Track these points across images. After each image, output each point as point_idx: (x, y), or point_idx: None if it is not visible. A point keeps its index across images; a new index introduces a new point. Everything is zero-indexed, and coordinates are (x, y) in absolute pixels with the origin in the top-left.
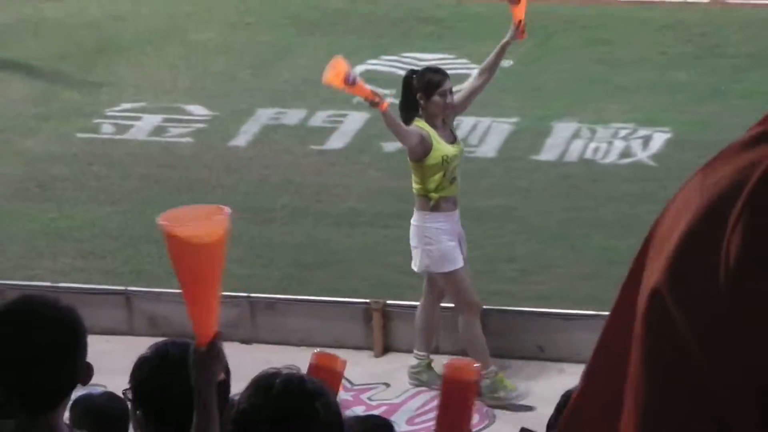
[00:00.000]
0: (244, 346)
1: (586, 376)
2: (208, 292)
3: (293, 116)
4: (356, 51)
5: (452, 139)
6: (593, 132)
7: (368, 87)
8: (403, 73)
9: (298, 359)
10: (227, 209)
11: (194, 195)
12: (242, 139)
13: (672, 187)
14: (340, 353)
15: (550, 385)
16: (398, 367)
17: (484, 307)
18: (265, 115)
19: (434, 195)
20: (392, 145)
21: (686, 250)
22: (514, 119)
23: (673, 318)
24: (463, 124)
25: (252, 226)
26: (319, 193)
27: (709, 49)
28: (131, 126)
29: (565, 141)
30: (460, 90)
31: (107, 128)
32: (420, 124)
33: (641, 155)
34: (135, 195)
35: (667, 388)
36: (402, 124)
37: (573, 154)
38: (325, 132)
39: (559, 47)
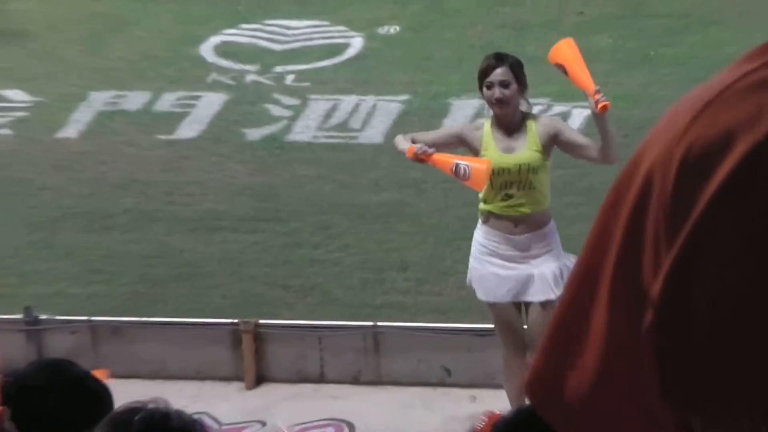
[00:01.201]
0: None
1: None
2: None
3: (134, 100)
4: (208, 19)
5: (515, 148)
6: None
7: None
8: (267, 44)
9: (153, 395)
10: None
11: (17, 199)
12: (73, 129)
13: (595, 174)
14: (204, 386)
15: (461, 415)
16: (275, 400)
17: (376, 323)
18: (99, 100)
19: (482, 206)
20: (257, 132)
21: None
22: (403, 97)
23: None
24: (343, 104)
25: (88, 235)
26: (170, 194)
27: (634, 7)
28: None
29: (466, 121)
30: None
31: None
32: (486, 123)
33: None
34: None
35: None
36: (434, 134)
37: None
38: (174, 118)
39: (454, 9)
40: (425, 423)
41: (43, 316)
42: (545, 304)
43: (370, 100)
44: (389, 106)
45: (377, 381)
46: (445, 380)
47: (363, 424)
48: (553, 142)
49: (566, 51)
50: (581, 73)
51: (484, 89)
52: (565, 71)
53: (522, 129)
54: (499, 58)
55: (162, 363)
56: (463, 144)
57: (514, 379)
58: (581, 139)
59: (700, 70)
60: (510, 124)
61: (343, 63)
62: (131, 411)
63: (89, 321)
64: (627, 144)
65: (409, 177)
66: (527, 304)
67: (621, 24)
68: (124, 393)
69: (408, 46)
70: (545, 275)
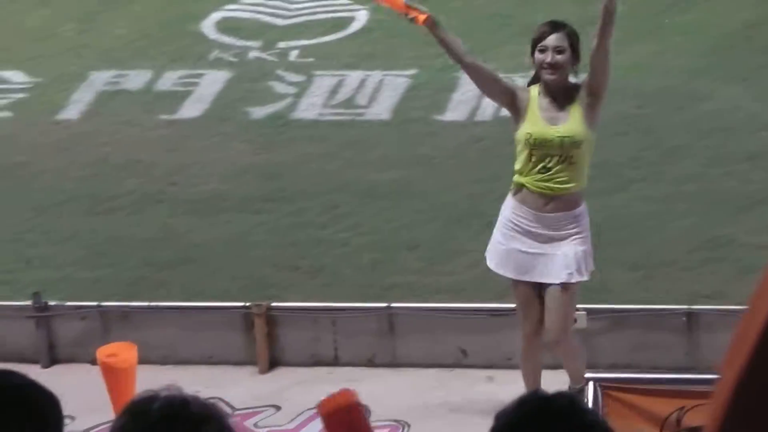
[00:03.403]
0: (95, 367)
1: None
2: None
3: (135, 79)
4: None
5: (559, 119)
6: (510, 81)
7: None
8: (270, 19)
9: (163, 381)
10: None
11: (15, 182)
12: (73, 110)
13: (608, 148)
14: (216, 370)
15: (478, 396)
16: (289, 384)
17: (390, 305)
18: (100, 80)
19: (517, 178)
20: (261, 111)
21: None
22: (410, 71)
23: None
24: (349, 80)
25: (92, 218)
26: (174, 174)
27: None
28: None
29: (475, 96)
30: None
31: None
32: (534, 88)
33: None
34: None
35: None
36: (462, 53)
37: (486, 111)
38: (176, 98)
39: None
40: (441, 404)
41: (53, 302)
42: (564, 287)
43: (376, 75)
44: (396, 81)
45: (392, 363)
46: (461, 361)
47: (379, 407)
48: (591, 95)
49: None
50: None
51: (537, 53)
52: None
53: (568, 101)
54: (555, 26)
55: (172, 348)
56: (510, 100)
57: (531, 359)
58: (593, 51)
59: (712, 38)
60: (557, 93)
61: (348, 37)
62: (148, 399)
63: (99, 306)
64: (642, 114)
65: (417, 153)
66: (546, 285)
67: None
68: (138, 379)
69: None
70: (568, 256)
